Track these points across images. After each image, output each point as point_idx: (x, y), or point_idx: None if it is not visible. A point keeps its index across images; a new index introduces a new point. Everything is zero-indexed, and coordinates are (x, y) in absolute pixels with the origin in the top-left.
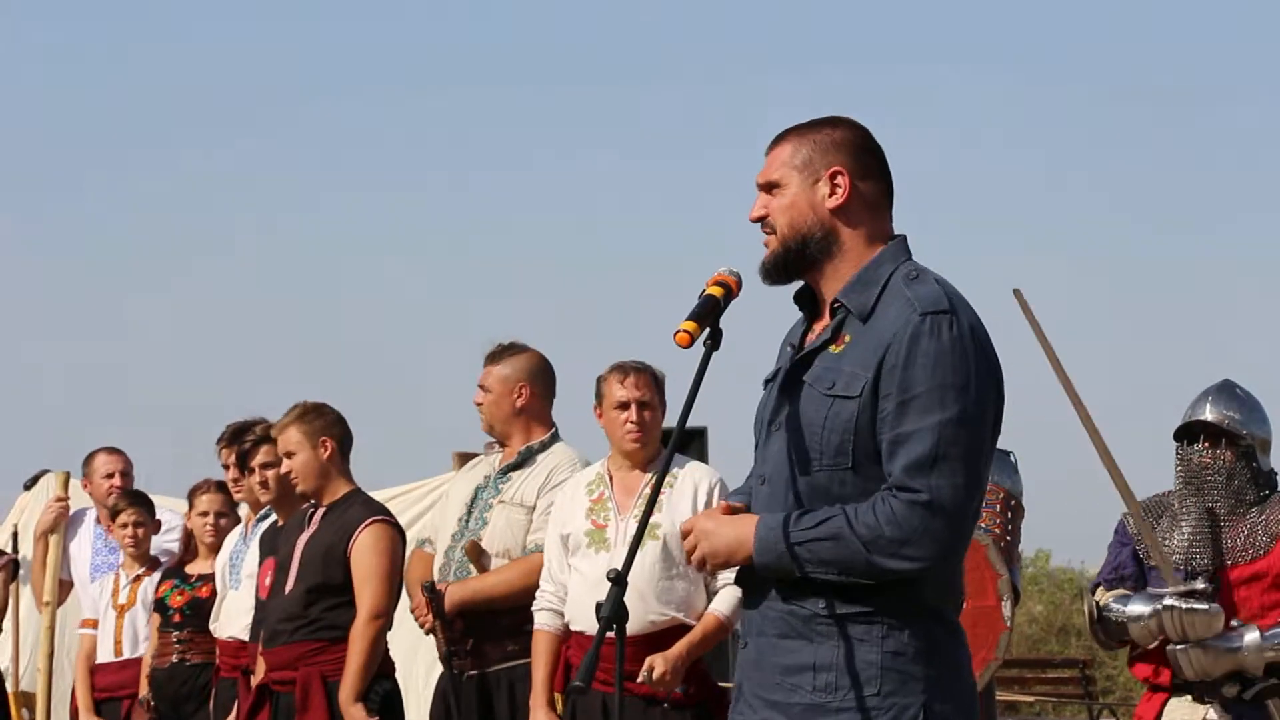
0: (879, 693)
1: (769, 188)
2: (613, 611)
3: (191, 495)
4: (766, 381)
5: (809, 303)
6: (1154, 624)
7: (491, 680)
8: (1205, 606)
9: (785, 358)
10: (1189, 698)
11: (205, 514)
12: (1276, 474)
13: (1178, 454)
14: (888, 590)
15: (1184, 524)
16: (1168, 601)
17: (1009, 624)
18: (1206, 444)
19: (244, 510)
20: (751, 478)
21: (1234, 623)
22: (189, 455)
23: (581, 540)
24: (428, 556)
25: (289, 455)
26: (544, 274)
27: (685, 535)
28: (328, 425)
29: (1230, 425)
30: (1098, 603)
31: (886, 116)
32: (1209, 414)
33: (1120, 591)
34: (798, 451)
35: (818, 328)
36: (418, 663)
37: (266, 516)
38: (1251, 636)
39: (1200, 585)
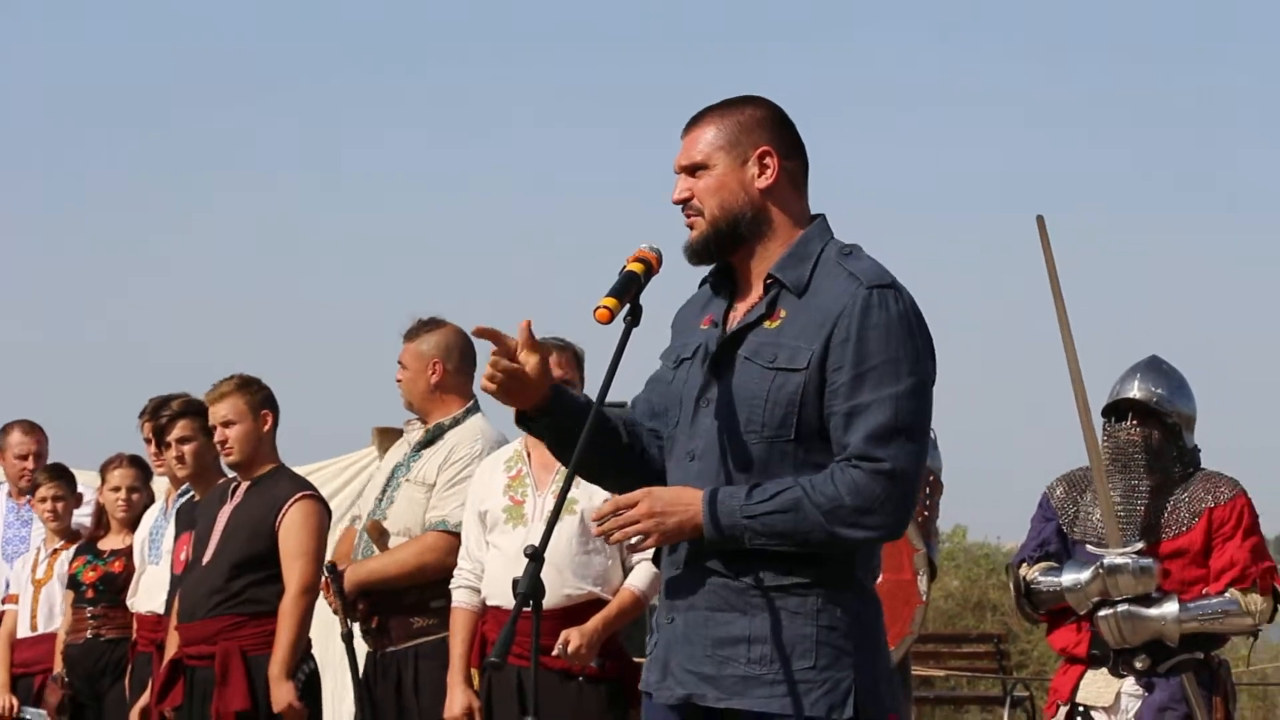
0: (814, 666)
1: (692, 170)
2: (529, 587)
3: (104, 470)
4: (680, 360)
5: (726, 283)
6: (1095, 587)
7: (400, 657)
8: (1150, 562)
9: (703, 335)
10: (1105, 670)
11: (118, 489)
12: (1200, 451)
13: (1105, 430)
14: (822, 564)
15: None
16: (1116, 561)
17: (925, 599)
18: (1134, 421)
19: (164, 485)
20: (676, 454)
21: (1154, 593)
22: (99, 428)
23: (499, 517)
24: (354, 534)
25: (227, 424)
26: (463, 248)
27: (630, 506)
28: (268, 398)
29: (1157, 403)
30: (1024, 577)
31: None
32: (1136, 392)
33: (1047, 564)
34: (732, 425)
35: (741, 306)
36: (334, 639)
37: (187, 492)
38: (1170, 606)
39: (1139, 546)
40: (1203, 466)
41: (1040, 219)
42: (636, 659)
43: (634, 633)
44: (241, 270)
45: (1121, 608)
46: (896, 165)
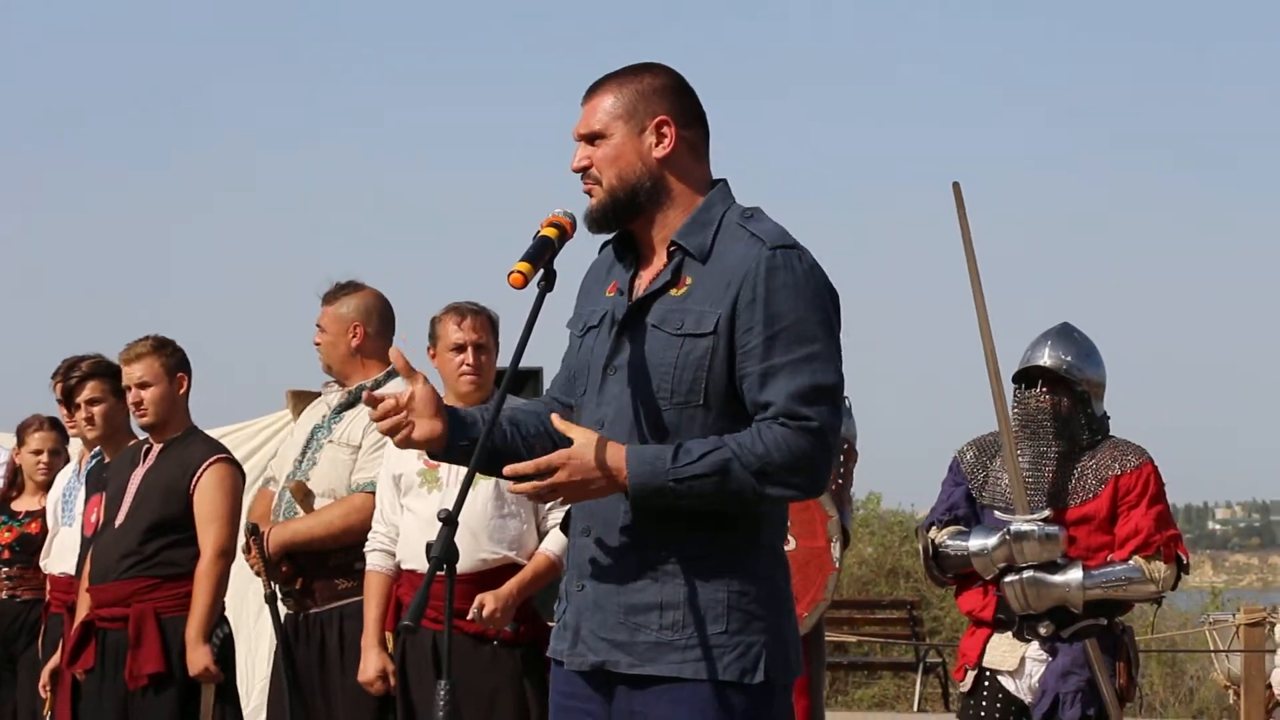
0: (725, 630)
1: (590, 138)
2: (443, 551)
3: (21, 431)
4: (587, 328)
5: (629, 250)
6: (1001, 553)
7: (324, 619)
8: (1056, 529)
9: (609, 302)
10: (1010, 634)
11: (38, 452)
12: (1109, 418)
13: (1015, 397)
14: (732, 528)
15: (1019, 464)
16: (1022, 527)
17: (837, 565)
18: (1044, 388)
19: (78, 447)
20: (584, 422)
21: (1059, 560)
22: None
23: (414, 480)
24: (270, 495)
25: (143, 385)
26: (379, 214)
27: (551, 471)
28: (182, 361)
29: (1067, 371)
30: (933, 540)
31: None
32: (1046, 359)
33: (956, 528)
34: (642, 392)
35: (646, 274)
36: (248, 602)
37: (100, 454)
38: (1075, 573)
39: (1045, 514)
40: (1111, 434)
41: (956, 185)
42: (551, 623)
43: (548, 597)
44: (156, 232)
45: (1026, 574)
46: (809, 135)
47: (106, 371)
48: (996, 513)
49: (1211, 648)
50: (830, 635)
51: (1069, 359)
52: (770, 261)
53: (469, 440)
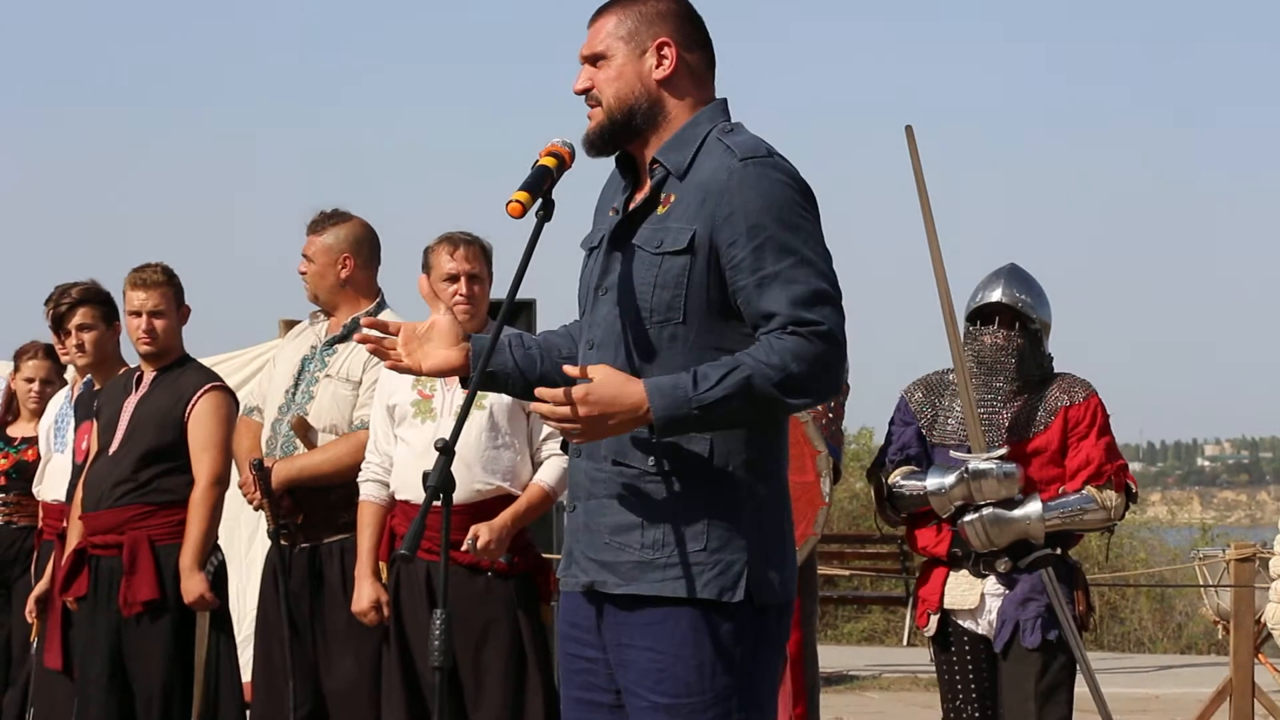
0: (705, 548)
1: (593, 60)
2: (439, 480)
3: (17, 358)
4: (592, 249)
5: (630, 171)
6: (959, 491)
7: (323, 552)
8: (1013, 467)
9: (607, 222)
10: (965, 572)
11: (31, 380)
12: (1053, 358)
13: (969, 334)
14: (714, 446)
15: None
16: (980, 466)
17: (827, 500)
18: (1000, 327)
19: (72, 373)
20: (580, 343)
21: (1015, 495)
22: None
23: (408, 410)
24: (255, 425)
25: (156, 314)
26: (374, 144)
27: (575, 402)
28: (182, 290)
29: (1022, 307)
30: (886, 481)
31: None
32: (1002, 296)
33: (909, 468)
34: (628, 312)
35: (640, 195)
36: (239, 530)
37: (91, 380)
38: (1034, 506)
39: (1002, 451)
40: (1057, 371)
41: (909, 128)
42: (546, 554)
43: (542, 528)
44: (150, 161)
45: (986, 511)
46: (768, 75)
47: (97, 298)
48: (951, 451)
49: (1201, 583)
50: (822, 569)
51: (1023, 297)
52: (743, 173)
53: (495, 367)
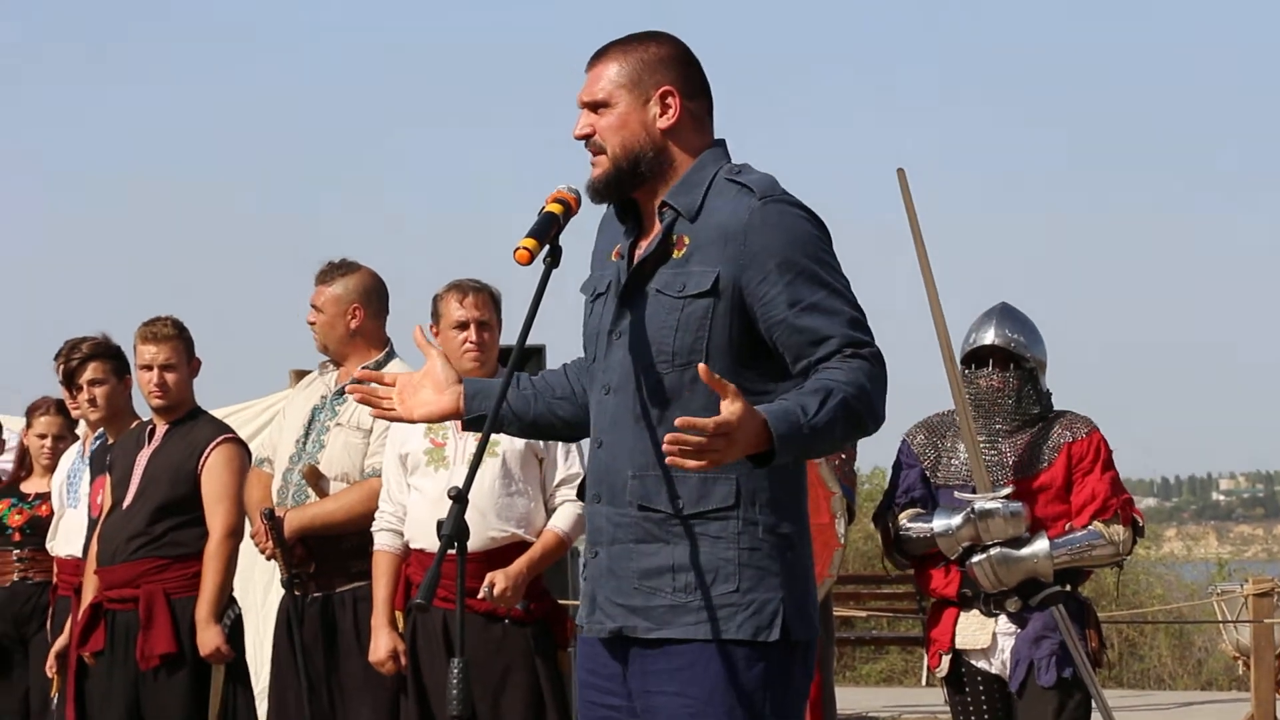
0: (738, 589)
1: (594, 106)
2: (454, 529)
3: (30, 413)
4: (596, 295)
5: (631, 216)
6: (966, 532)
7: (335, 601)
8: (1020, 506)
9: (614, 268)
10: (976, 612)
11: (44, 436)
12: (1052, 395)
13: (965, 377)
14: (739, 485)
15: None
16: (987, 506)
17: (843, 542)
18: (995, 368)
19: (83, 428)
20: (595, 389)
21: (1025, 532)
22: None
23: (421, 459)
24: (265, 477)
25: (168, 368)
26: (377, 194)
27: (717, 430)
28: (192, 343)
29: (1016, 348)
30: (892, 525)
31: None
32: (994, 338)
33: (914, 511)
34: (644, 356)
35: (645, 242)
36: (254, 581)
37: (103, 435)
38: (1041, 544)
39: (1007, 490)
40: (1056, 409)
41: (900, 171)
42: (562, 601)
43: (557, 574)
44: (160, 214)
45: (994, 551)
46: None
47: (108, 353)
48: (956, 492)
49: (1219, 619)
50: (837, 611)
51: (1016, 337)
52: (764, 212)
53: (489, 409)
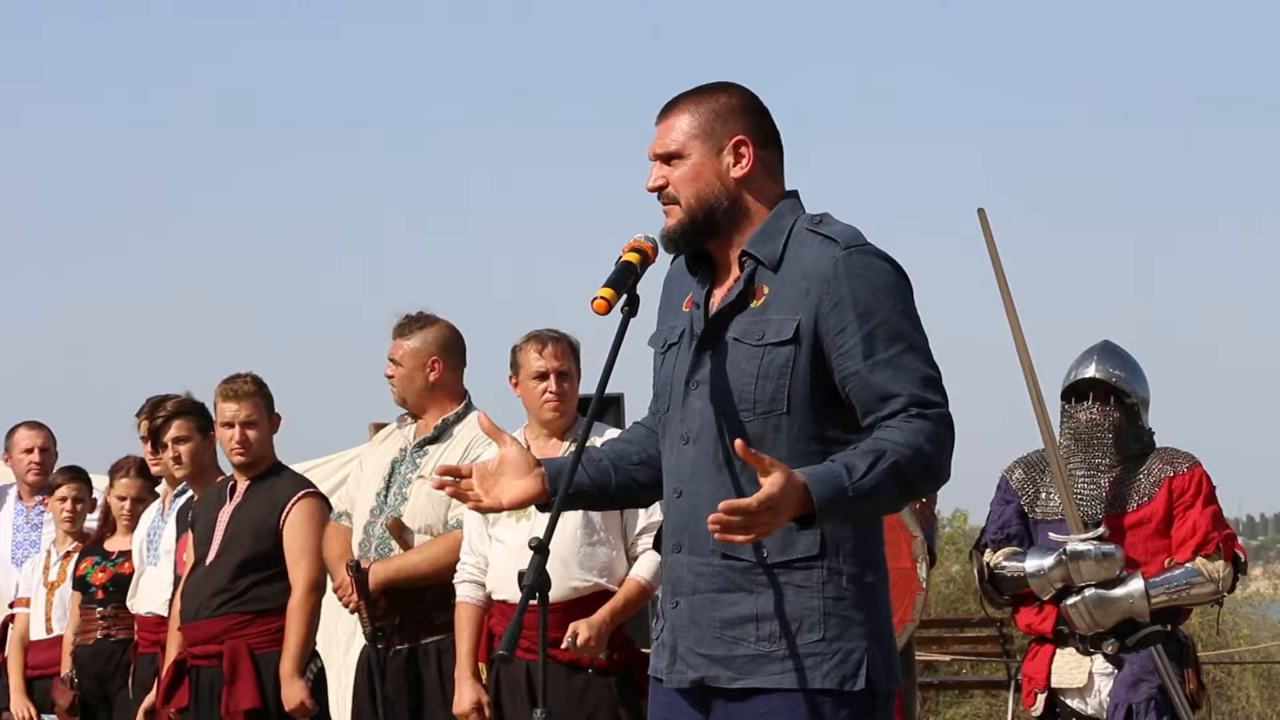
0: (823, 638)
1: (667, 158)
2: (535, 579)
3: (112, 473)
4: (668, 345)
5: (705, 266)
6: (1058, 574)
7: (420, 653)
8: (1112, 548)
9: (686, 318)
10: (1072, 650)
11: (123, 498)
12: (1154, 433)
13: (1065, 412)
14: (823, 535)
15: (1074, 478)
16: (1078, 547)
17: (924, 585)
18: (1096, 402)
19: (162, 485)
20: (670, 438)
21: (1119, 573)
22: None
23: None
24: (345, 531)
25: (249, 425)
26: (459, 242)
27: (760, 507)
28: (272, 399)
29: (1118, 383)
30: (988, 563)
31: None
32: (1096, 372)
33: (1010, 549)
34: (725, 405)
35: (720, 291)
36: (337, 635)
37: (184, 492)
38: (1136, 584)
39: (1101, 531)
40: (1157, 446)
41: (981, 211)
42: (645, 649)
43: (639, 623)
44: (240, 267)
45: (1089, 593)
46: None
47: (191, 410)
48: (1050, 533)
49: None
50: (920, 655)
51: (1118, 372)
52: (847, 261)
53: (573, 487)
